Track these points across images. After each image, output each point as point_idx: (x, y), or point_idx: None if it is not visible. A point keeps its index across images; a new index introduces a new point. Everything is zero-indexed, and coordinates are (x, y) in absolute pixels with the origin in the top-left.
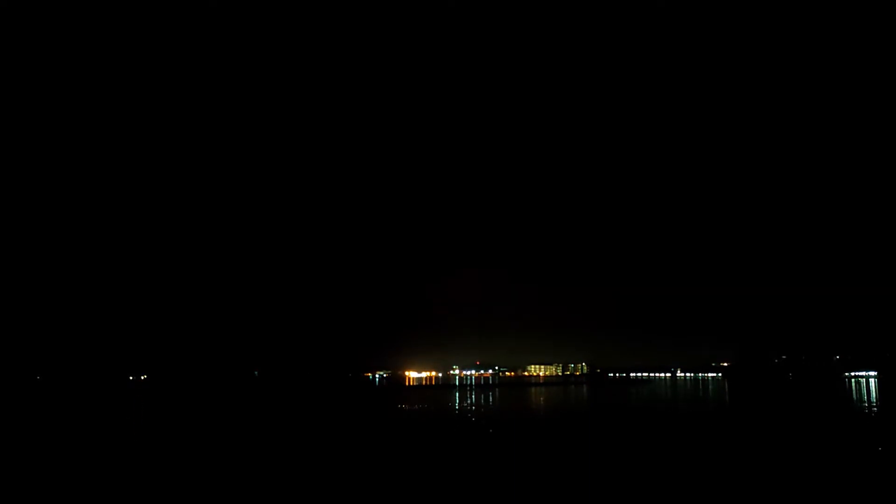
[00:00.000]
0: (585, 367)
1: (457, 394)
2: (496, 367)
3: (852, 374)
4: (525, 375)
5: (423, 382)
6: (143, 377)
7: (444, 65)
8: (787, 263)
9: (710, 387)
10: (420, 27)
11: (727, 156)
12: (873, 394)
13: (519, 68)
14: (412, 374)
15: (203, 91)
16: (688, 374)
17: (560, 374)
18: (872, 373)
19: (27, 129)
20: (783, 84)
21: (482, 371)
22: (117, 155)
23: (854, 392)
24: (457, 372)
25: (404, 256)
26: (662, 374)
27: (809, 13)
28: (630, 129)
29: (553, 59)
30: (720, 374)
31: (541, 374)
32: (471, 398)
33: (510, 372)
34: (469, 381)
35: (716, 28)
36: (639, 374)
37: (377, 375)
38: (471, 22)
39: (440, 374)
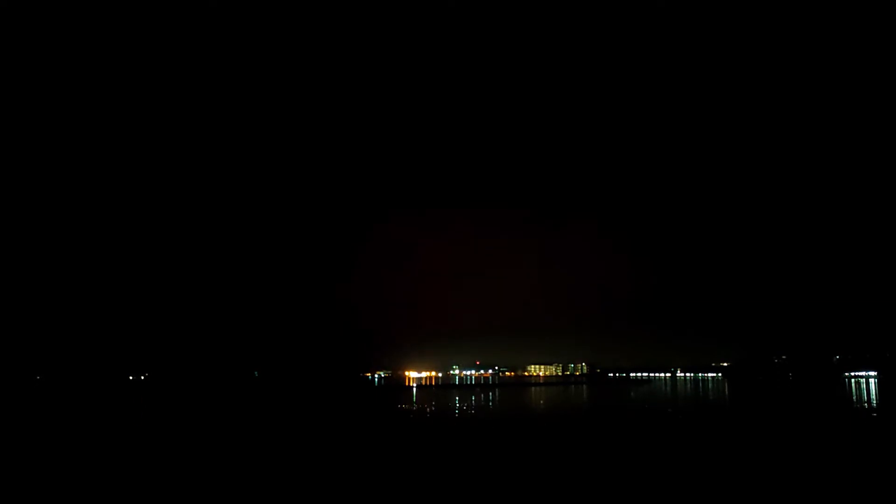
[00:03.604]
0: (585, 368)
1: (457, 394)
2: (496, 367)
3: (852, 374)
4: (525, 375)
5: (423, 382)
6: (143, 377)
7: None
8: (788, 266)
9: (710, 387)
10: None
11: (726, 154)
12: (873, 394)
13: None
14: (412, 374)
15: (205, 92)
16: (688, 374)
17: (560, 374)
18: (872, 373)
19: (27, 129)
20: (775, 83)
21: (482, 371)
22: (117, 155)
23: (854, 392)
24: (457, 372)
25: (403, 255)
26: (662, 374)
27: (809, 13)
28: (632, 123)
29: (550, 59)
30: (720, 374)
31: (541, 374)
32: (471, 398)
33: (510, 372)
34: (469, 381)
35: (721, 23)
36: (639, 374)
37: (377, 375)
38: None
39: (440, 374)
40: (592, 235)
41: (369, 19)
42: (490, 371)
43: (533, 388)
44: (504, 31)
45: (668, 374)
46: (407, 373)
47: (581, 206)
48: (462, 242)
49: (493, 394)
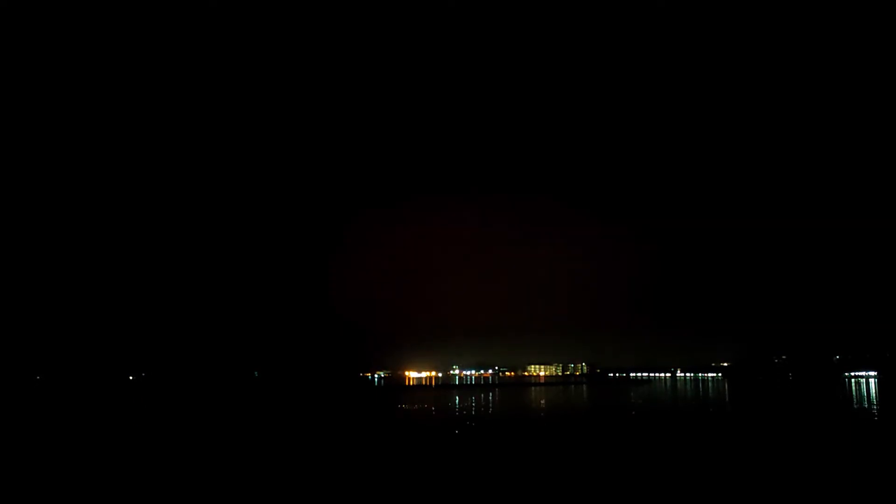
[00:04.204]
0: (585, 367)
1: (457, 394)
2: (496, 367)
3: (852, 374)
4: (525, 375)
5: (423, 382)
6: (143, 376)
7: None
8: (788, 266)
9: (710, 387)
10: None
11: (727, 155)
12: (873, 394)
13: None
14: (412, 374)
15: (207, 91)
16: (688, 374)
17: (560, 374)
18: (872, 373)
19: (27, 129)
20: (777, 84)
21: (482, 371)
22: (117, 155)
23: (854, 392)
24: (457, 372)
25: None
26: (662, 374)
27: (809, 13)
28: (634, 122)
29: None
30: (720, 374)
31: (541, 374)
32: (471, 398)
33: (510, 372)
34: (469, 381)
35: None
36: (639, 374)
37: (377, 375)
38: None
39: (440, 374)
40: (593, 235)
41: (359, 16)
42: (490, 371)
43: (533, 388)
44: (504, 25)
45: (668, 375)
46: (407, 373)
47: (581, 207)
48: (462, 242)
49: (493, 394)
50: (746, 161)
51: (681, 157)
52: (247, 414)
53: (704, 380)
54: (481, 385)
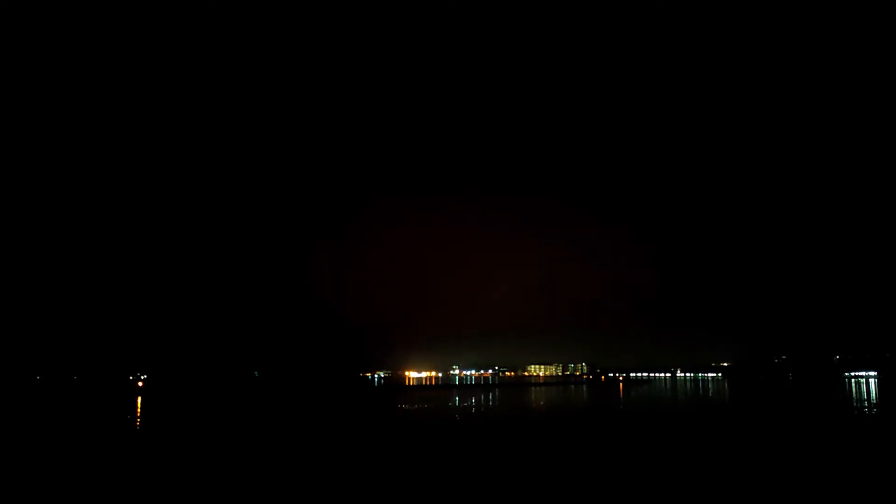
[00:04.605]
0: (585, 367)
1: (457, 394)
2: (496, 367)
3: (852, 374)
4: (525, 375)
5: (423, 382)
6: (143, 377)
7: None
8: (788, 266)
9: (710, 387)
10: None
11: (727, 154)
12: (873, 394)
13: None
14: (412, 374)
15: (207, 94)
16: (688, 374)
17: (560, 374)
18: (872, 373)
19: (27, 129)
20: (779, 84)
21: (482, 371)
22: (117, 155)
23: (854, 392)
24: (457, 372)
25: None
26: (662, 374)
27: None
28: (634, 123)
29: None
30: (720, 374)
31: (541, 374)
32: (471, 398)
33: (510, 372)
34: (469, 381)
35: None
36: (639, 374)
37: (377, 375)
38: None
39: (440, 374)
40: (593, 235)
41: (357, 15)
42: (490, 371)
43: (533, 388)
44: (503, 25)
45: (668, 374)
46: (407, 373)
47: (581, 207)
48: (462, 242)
49: (493, 394)
50: (746, 161)
51: (681, 157)
52: (247, 414)
53: (704, 380)
54: (481, 385)
